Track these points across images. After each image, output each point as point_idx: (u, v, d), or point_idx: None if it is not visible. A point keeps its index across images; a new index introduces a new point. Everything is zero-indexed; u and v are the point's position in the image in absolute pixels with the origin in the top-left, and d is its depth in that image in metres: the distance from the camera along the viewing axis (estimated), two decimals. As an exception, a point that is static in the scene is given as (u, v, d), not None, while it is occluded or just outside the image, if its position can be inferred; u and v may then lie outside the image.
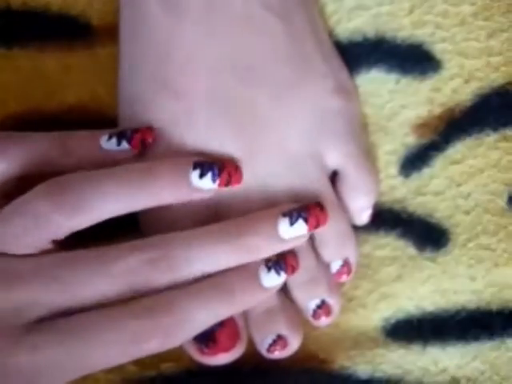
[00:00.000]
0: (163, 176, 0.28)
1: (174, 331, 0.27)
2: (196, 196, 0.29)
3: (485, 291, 0.33)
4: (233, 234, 0.28)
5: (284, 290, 0.31)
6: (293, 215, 0.29)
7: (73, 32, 0.34)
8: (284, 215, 0.29)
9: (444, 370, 0.32)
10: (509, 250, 0.33)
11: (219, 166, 0.29)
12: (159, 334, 0.27)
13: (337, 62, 0.33)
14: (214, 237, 0.28)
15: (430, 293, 0.33)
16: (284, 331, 0.30)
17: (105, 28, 0.34)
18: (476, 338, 0.32)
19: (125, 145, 0.30)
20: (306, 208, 0.29)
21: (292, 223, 0.29)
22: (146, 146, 0.30)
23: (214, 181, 0.29)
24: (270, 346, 0.30)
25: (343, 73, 0.33)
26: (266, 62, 0.31)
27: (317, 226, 0.29)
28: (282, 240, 0.29)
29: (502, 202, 0.33)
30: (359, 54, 0.34)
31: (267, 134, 0.31)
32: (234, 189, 0.30)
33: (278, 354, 0.30)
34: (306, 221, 0.29)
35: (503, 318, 0.32)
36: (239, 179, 0.30)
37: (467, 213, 0.33)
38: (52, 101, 0.33)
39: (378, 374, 0.31)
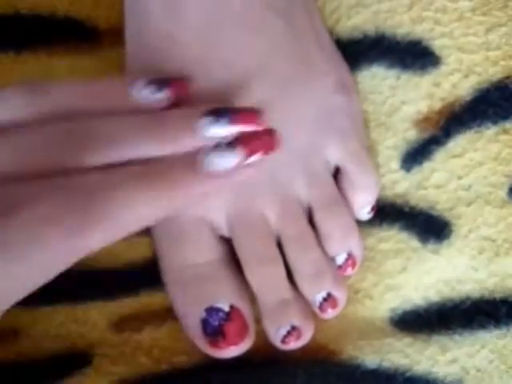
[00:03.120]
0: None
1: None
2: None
3: (487, 281, 0.33)
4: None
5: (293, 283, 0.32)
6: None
7: (80, 36, 0.34)
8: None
9: (453, 361, 0.32)
10: (509, 240, 0.33)
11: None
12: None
13: (337, 59, 0.34)
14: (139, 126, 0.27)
15: (435, 283, 0.33)
16: (298, 322, 0.31)
17: (111, 31, 0.34)
18: (482, 325, 0.32)
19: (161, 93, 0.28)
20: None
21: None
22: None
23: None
24: (285, 337, 0.31)
25: (344, 69, 0.34)
26: (266, 61, 0.31)
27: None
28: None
29: (502, 194, 0.33)
30: (360, 51, 0.34)
31: None
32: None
33: (292, 344, 0.31)
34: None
35: (507, 306, 0.32)
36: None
37: (468, 205, 0.33)
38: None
39: (386, 364, 0.31)
